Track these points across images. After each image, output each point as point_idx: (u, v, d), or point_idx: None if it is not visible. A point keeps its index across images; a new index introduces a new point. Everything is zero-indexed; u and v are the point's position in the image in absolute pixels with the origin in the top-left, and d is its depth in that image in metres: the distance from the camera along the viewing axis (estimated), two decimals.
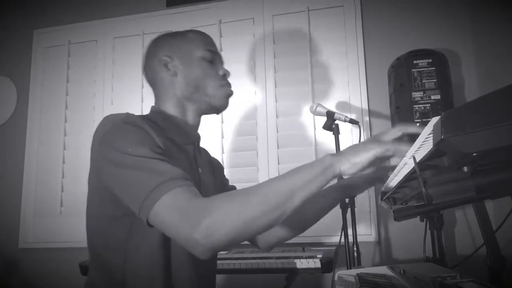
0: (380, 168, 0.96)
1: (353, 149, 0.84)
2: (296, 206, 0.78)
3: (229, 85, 1.09)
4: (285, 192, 0.77)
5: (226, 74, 1.09)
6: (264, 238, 1.18)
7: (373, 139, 0.86)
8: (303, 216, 1.16)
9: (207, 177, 1.08)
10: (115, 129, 0.86)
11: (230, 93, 1.08)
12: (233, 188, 1.25)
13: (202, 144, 1.17)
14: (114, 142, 0.84)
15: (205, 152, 1.19)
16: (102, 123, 0.90)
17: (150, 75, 1.09)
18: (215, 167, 1.22)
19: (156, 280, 0.90)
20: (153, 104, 1.08)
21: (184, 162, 0.99)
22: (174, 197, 0.76)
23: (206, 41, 1.09)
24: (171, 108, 1.04)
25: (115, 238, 0.91)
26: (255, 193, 0.78)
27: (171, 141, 0.97)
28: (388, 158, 0.86)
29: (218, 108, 1.07)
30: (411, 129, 0.87)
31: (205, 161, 1.13)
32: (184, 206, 0.75)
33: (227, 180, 1.26)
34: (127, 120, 0.88)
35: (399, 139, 0.86)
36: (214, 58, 1.07)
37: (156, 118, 1.01)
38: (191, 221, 0.73)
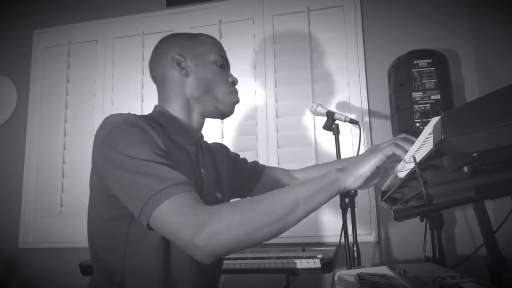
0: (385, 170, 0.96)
1: (354, 163, 0.86)
2: (299, 219, 0.80)
3: (236, 92, 1.10)
4: (289, 205, 0.78)
5: (234, 82, 1.10)
6: None
7: (371, 150, 0.89)
8: None
9: (210, 178, 1.08)
10: (116, 130, 0.86)
11: (237, 101, 1.09)
12: (245, 160, 1.27)
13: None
14: (115, 144, 0.84)
15: (206, 146, 1.17)
16: (103, 124, 0.90)
17: (159, 72, 1.07)
18: (218, 154, 1.20)
19: (156, 278, 0.90)
20: (156, 103, 1.08)
21: (185, 162, 0.98)
22: (176, 203, 0.76)
23: (218, 46, 1.10)
24: (176, 108, 1.04)
25: (115, 237, 0.91)
26: (259, 204, 0.79)
27: (172, 141, 0.97)
28: (391, 163, 0.87)
29: (224, 114, 1.08)
30: (403, 143, 0.88)
31: (207, 160, 1.12)
32: (186, 212, 0.76)
33: (238, 156, 1.27)
34: (128, 121, 0.88)
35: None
36: (224, 64, 1.09)
37: (159, 117, 1.01)
38: (193, 227, 0.74)
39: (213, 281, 1.07)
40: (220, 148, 1.24)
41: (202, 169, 1.05)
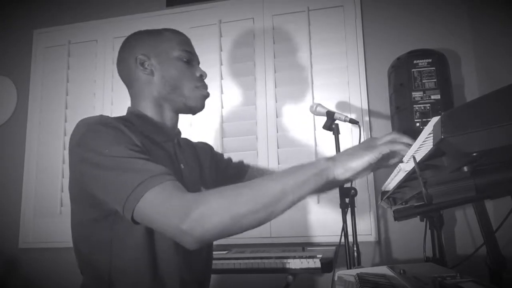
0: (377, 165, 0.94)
1: (348, 154, 0.84)
2: (287, 207, 0.78)
3: (205, 86, 1.08)
4: (276, 193, 0.77)
5: (202, 75, 1.08)
6: None
7: (368, 145, 0.86)
8: None
9: (190, 172, 1.08)
10: (91, 131, 0.86)
11: (206, 95, 1.08)
12: (229, 160, 1.27)
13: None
14: (91, 144, 0.84)
15: (187, 143, 1.18)
16: (77, 127, 0.90)
17: (126, 74, 1.08)
18: (202, 152, 1.20)
19: (143, 274, 0.90)
20: (129, 105, 1.08)
21: (164, 159, 0.98)
22: (158, 193, 0.76)
23: (182, 41, 1.08)
24: (147, 107, 1.04)
25: (99, 239, 0.91)
26: (246, 190, 0.78)
27: (149, 140, 0.98)
28: (386, 159, 0.86)
29: (193, 109, 1.07)
30: (405, 139, 0.86)
31: (187, 155, 1.12)
32: (170, 200, 0.76)
33: (222, 155, 1.27)
34: (101, 121, 0.88)
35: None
36: (190, 59, 1.07)
37: (132, 118, 1.01)
38: (178, 213, 0.74)
39: (202, 274, 1.06)
40: (203, 146, 1.25)
41: (182, 165, 1.05)
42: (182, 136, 1.16)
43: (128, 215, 0.78)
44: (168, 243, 0.92)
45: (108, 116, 0.92)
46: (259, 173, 1.27)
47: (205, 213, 0.73)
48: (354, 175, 0.82)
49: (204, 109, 1.10)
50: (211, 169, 1.20)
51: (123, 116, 1.04)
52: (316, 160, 0.84)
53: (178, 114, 1.09)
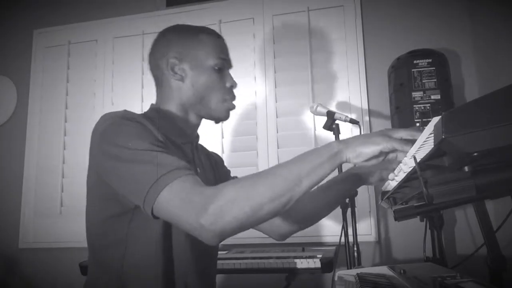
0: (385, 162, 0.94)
1: (361, 139, 0.83)
2: (303, 192, 0.79)
3: (233, 98, 1.07)
4: (292, 178, 0.78)
5: (233, 86, 1.07)
6: (277, 229, 1.18)
7: (383, 133, 0.84)
8: (315, 205, 1.15)
9: (206, 178, 1.08)
10: (114, 125, 0.87)
11: (232, 108, 1.07)
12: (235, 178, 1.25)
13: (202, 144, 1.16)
14: (114, 137, 0.85)
15: (202, 149, 1.18)
16: (100, 121, 0.90)
17: (156, 73, 1.06)
18: (215, 162, 1.21)
19: (155, 271, 0.91)
20: (153, 102, 1.08)
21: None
22: (178, 187, 0.76)
23: (218, 47, 1.05)
24: (172, 108, 1.03)
25: (115, 234, 0.91)
26: (262, 179, 0.78)
27: (168, 139, 0.97)
28: (394, 154, 0.85)
29: (218, 120, 1.07)
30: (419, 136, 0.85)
31: (203, 160, 1.13)
32: (189, 194, 0.75)
33: (229, 172, 1.26)
34: (125, 116, 0.89)
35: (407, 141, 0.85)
36: (224, 67, 1.05)
37: (155, 116, 1.01)
38: (197, 208, 0.73)
39: (212, 275, 1.07)
40: (217, 158, 1.25)
41: (198, 169, 1.05)
42: None
43: (148, 210, 0.78)
44: (183, 242, 0.92)
45: (132, 112, 0.92)
46: None
47: (224, 206, 0.73)
48: (366, 160, 0.82)
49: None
50: (221, 182, 1.19)
51: (145, 112, 1.04)
52: (329, 143, 0.83)
53: (201, 119, 1.09)
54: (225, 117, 1.07)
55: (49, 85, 2.37)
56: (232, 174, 1.26)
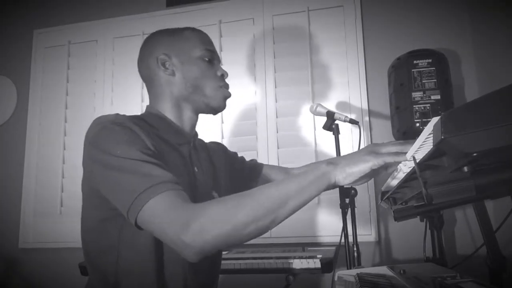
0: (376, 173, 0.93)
1: (349, 158, 0.83)
2: (289, 213, 0.78)
3: (227, 86, 1.07)
4: (278, 199, 0.77)
5: (224, 75, 1.07)
6: None
7: (371, 150, 0.85)
8: None
9: (204, 175, 1.07)
10: (104, 131, 0.86)
11: (228, 95, 1.07)
12: (243, 159, 1.25)
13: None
14: (103, 144, 0.84)
15: (200, 145, 1.16)
16: (92, 126, 0.90)
17: (146, 73, 1.06)
18: (213, 152, 1.18)
19: (150, 277, 0.90)
20: (148, 104, 1.07)
21: (177, 162, 0.97)
22: (163, 201, 0.76)
23: (204, 39, 1.07)
24: (167, 108, 1.03)
25: (108, 239, 0.91)
26: (247, 199, 0.78)
27: (164, 141, 0.97)
28: (385, 168, 0.84)
29: (215, 109, 1.06)
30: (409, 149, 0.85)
31: (202, 157, 1.11)
32: (173, 210, 0.75)
33: (235, 154, 1.26)
34: (115, 121, 0.88)
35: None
36: (212, 58, 1.06)
37: (150, 118, 1.00)
38: (180, 224, 0.73)
39: (209, 278, 1.06)
40: (216, 146, 1.23)
41: (196, 168, 1.04)
42: None
43: (132, 220, 0.78)
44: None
45: (124, 116, 0.92)
46: (273, 171, 1.26)
47: (206, 225, 0.73)
48: (356, 181, 0.82)
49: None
50: (225, 171, 1.18)
51: (140, 115, 1.03)
52: (318, 164, 0.83)
53: (197, 114, 1.08)
54: (223, 105, 1.06)
55: (49, 85, 2.37)
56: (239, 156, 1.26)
